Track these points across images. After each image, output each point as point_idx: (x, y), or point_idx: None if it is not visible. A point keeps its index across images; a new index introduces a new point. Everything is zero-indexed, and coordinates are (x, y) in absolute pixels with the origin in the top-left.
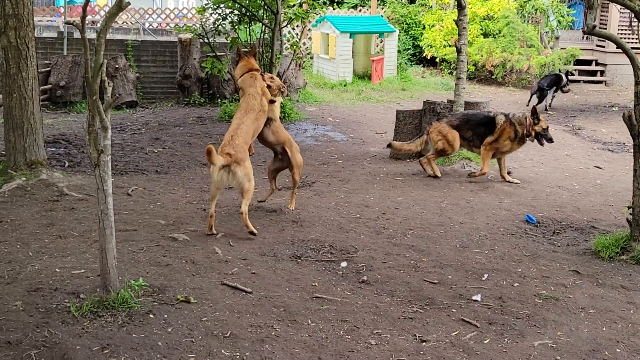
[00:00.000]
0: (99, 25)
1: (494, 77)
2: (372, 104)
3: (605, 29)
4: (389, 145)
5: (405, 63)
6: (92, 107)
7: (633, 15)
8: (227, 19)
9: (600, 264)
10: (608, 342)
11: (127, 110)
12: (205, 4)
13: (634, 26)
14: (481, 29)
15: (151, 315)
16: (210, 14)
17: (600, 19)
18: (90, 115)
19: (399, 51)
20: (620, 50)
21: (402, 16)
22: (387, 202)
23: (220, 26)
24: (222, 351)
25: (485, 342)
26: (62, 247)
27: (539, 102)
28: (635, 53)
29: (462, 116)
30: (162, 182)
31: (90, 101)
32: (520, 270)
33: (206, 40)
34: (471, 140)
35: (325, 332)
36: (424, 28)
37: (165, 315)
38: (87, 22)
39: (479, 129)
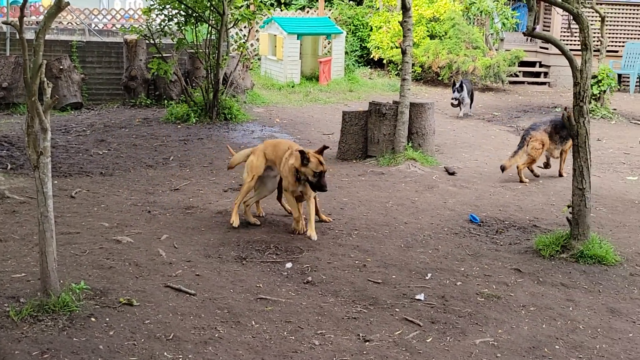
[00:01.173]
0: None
1: (440, 78)
2: (319, 105)
3: (549, 31)
4: (503, 168)
5: (353, 64)
6: (31, 109)
7: (572, 18)
8: (173, 19)
9: (541, 262)
10: (547, 339)
11: (72, 112)
12: (151, 5)
13: (573, 28)
14: (427, 31)
15: (93, 319)
16: (157, 15)
17: (544, 22)
18: (29, 116)
19: (346, 53)
20: None
21: (349, 18)
22: (332, 203)
23: (166, 27)
24: (165, 354)
25: (428, 340)
26: (3, 250)
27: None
28: (575, 55)
29: (550, 122)
30: (106, 184)
31: (29, 102)
32: (463, 269)
33: (152, 41)
34: (557, 144)
35: (269, 333)
36: (371, 30)
37: (107, 319)
38: (32, 22)
39: (562, 132)
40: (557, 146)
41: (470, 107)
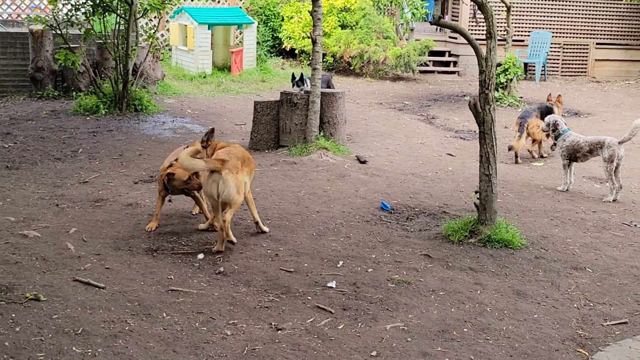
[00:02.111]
0: None
1: (352, 68)
2: (231, 96)
3: (457, 21)
4: (510, 148)
5: (265, 55)
6: None
7: (477, 7)
8: (80, 9)
9: (450, 247)
10: (456, 322)
11: None
12: None
13: (479, 18)
14: (339, 21)
15: None
16: (63, 5)
17: (453, 12)
18: None
19: (258, 43)
20: None
21: (260, 8)
22: None
23: (73, 17)
24: (74, 348)
25: (340, 327)
26: None
27: None
28: (480, 44)
29: (537, 108)
30: (12, 177)
31: None
32: (374, 256)
33: (59, 32)
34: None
35: (181, 324)
36: (282, 20)
37: (13, 315)
38: None
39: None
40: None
41: None
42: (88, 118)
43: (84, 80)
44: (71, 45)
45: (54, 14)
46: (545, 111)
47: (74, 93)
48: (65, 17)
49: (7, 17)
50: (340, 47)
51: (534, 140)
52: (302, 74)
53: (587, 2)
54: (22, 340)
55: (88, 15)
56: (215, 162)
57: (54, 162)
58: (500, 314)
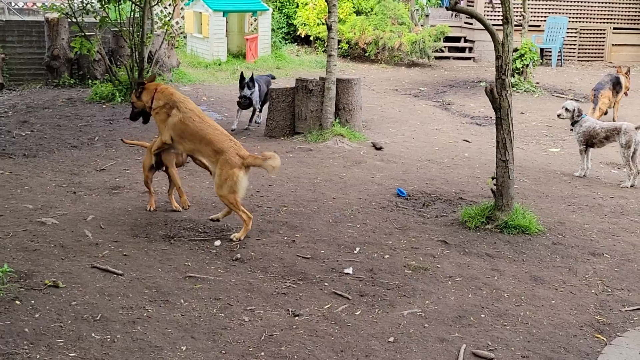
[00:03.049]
0: None
1: (367, 54)
2: None
3: (473, 6)
4: None
5: (280, 42)
6: None
7: None
8: None
9: (467, 233)
10: (473, 308)
11: None
12: None
13: (495, 3)
14: (354, 7)
15: (17, 302)
16: None
17: None
18: None
19: (273, 30)
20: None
21: None
22: (260, 180)
23: (88, 5)
24: (93, 334)
25: (357, 313)
26: None
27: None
28: (497, 29)
29: (610, 80)
30: (30, 165)
31: None
32: (390, 242)
33: (74, 20)
34: (614, 97)
35: (198, 310)
36: (297, 6)
37: (33, 301)
38: None
39: (617, 87)
40: (614, 98)
41: (261, 111)
42: (104, 106)
43: (99, 68)
44: (87, 33)
45: (70, 2)
46: (616, 82)
47: (90, 81)
48: (80, 5)
49: (23, 6)
50: (355, 33)
51: (601, 111)
52: (252, 74)
53: None
54: (42, 327)
55: (103, 3)
56: None
57: (70, 150)
58: (518, 300)
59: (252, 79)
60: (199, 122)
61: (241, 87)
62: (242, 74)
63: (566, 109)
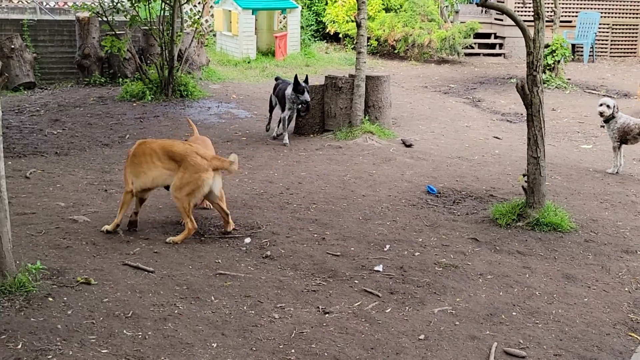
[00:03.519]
0: None
1: (396, 51)
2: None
3: (503, 2)
4: None
5: (309, 39)
6: None
7: None
8: None
9: (498, 231)
10: (505, 305)
11: (25, 92)
12: None
13: None
14: (383, 4)
15: (50, 299)
16: None
17: None
18: None
19: (302, 27)
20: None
21: None
22: (290, 178)
23: (119, 4)
24: (124, 331)
25: (387, 311)
26: None
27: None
28: (528, 25)
29: None
30: (61, 164)
31: None
32: (421, 240)
33: (105, 19)
34: None
35: (229, 308)
36: (326, 4)
37: (65, 298)
38: None
39: None
40: None
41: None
42: (134, 104)
43: (129, 66)
44: (117, 32)
45: (100, 2)
46: None
47: (120, 79)
48: (111, 4)
49: (55, 5)
50: (384, 30)
51: None
52: (306, 77)
53: None
54: (74, 323)
55: (134, 2)
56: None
57: (101, 148)
58: (550, 298)
59: (306, 81)
60: None
61: (300, 92)
62: (296, 77)
63: (607, 106)
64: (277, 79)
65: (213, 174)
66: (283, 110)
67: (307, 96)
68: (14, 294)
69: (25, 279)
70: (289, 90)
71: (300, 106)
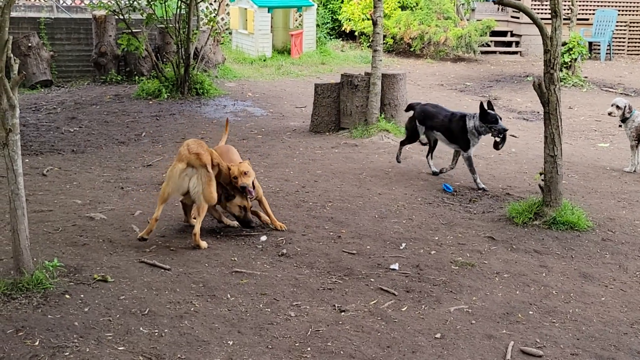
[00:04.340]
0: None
1: (412, 49)
2: (291, 79)
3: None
4: None
5: (325, 37)
6: None
7: None
8: None
9: (514, 229)
10: (521, 304)
11: (42, 90)
12: None
13: None
14: (399, 2)
15: (67, 296)
16: None
17: None
18: None
19: (317, 25)
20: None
21: None
22: (306, 176)
23: (135, 2)
24: (141, 328)
25: (403, 309)
26: None
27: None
28: (545, 23)
29: None
30: (78, 161)
31: None
32: (437, 238)
33: (121, 17)
34: None
35: (245, 305)
36: (342, 2)
37: (82, 295)
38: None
39: None
40: None
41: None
42: (151, 102)
43: (146, 64)
44: (133, 30)
45: (117, 0)
46: None
47: (137, 77)
48: (127, 3)
49: (71, 3)
50: (400, 28)
51: None
52: (489, 102)
53: None
54: (91, 320)
55: (150, 0)
56: None
57: (118, 146)
58: (567, 297)
59: (491, 106)
60: None
61: (494, 122)
62: (482, 105)
63: (617, 107)
64: (412, 105)
65: (185, 166)
66: (459, 145)
67: (502, 124)
68: (32, 291)
69: (42, 276)
70: (471, 124)
71: (498, 137)
